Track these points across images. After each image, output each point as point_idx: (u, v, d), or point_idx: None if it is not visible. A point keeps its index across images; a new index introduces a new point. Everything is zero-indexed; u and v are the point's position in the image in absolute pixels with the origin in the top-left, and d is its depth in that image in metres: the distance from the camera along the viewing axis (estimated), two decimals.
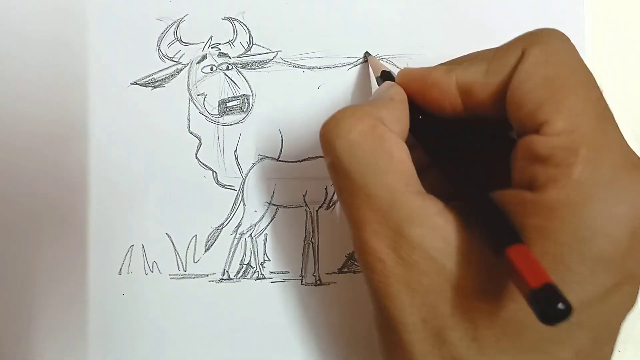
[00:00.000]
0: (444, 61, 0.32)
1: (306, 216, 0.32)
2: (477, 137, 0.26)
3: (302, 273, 0.32)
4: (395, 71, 0.29)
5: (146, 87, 0.32)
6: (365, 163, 0.21)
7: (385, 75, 0.28)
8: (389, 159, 0.22)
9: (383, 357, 0.23)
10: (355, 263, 0.32)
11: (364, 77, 0.32)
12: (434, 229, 0.20)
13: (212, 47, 0.32)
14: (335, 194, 0.32)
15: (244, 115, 0.32)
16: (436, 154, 0.24)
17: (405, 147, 0.22)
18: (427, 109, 0.25)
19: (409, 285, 0.20)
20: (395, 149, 0.22)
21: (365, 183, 0.21)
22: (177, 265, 0.32)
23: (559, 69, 0.21)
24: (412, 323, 0.20)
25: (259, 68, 0.32)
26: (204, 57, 0.32)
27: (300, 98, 0.32)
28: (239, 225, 0.32)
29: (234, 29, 0.32)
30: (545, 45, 0.21)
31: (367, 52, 0.32)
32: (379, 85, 0.29)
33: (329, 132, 0.23)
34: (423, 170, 0.23)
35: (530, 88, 0.21)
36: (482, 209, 0.21)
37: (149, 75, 0.32)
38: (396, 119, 0.23)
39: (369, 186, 0.21)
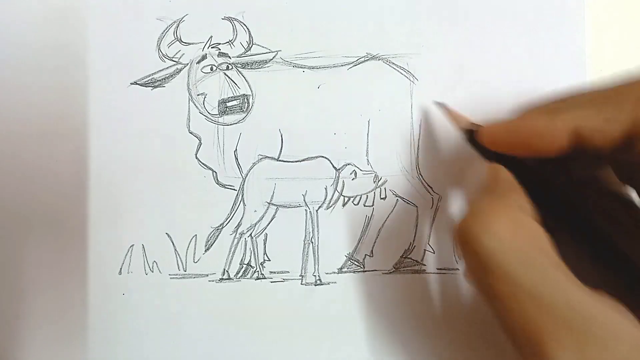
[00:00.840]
0: (444, 61, 0.32)
1: (306, 216, 0.32)
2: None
3: (302, 273, 0.32)
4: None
5: (146, 87, 0.32)
6: (527, 262, 0.19)
7: (470, 133, 0.27)
8: (545, 253, 0.20)
9: None
10: (356, 263, 0.32)
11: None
12: (619, 329, 0.19)
13: (212, 47, 0.32)
14: (334, 195, 0.32)
15: (244, 115, 0.32)
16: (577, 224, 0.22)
17: (546, 233, 0.21)
18: (521, 156, 0.23)
19: None
20: (544, 238, 0.20)
21: (535, 286, 0.19)
22: (177, 265, 0.32)
23: None
24: None
25: (258, 68, 0.32)
26: (203, 57, 0.32)
27: (300, 98, 0.32)
28: (239, 225, 0.32)
29: (233, 29, 0.32)
30: None
31: (437, 102, 0.31)
32: (466, 140, 0.28)
33: (471, 229, 0.20)
34: None
35: None
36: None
37: (149, 75, 0.32)
38: (528, 205, 0.22)
39: (538, 287, 0.19)
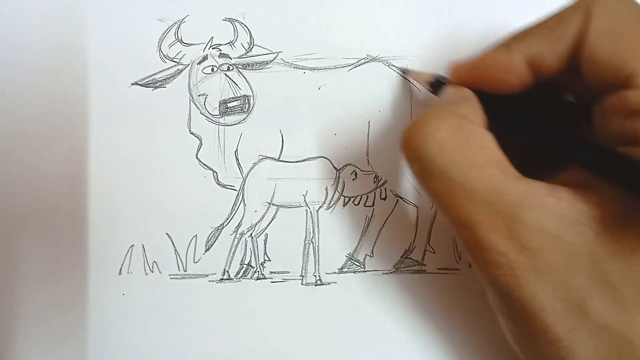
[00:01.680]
0: (445, 62, 0.32)
1: (306, 216, 0.32)
2: (543, 107, 0.26)
3: (302, 273, 0.32)
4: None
5: (147, 87, 0.32)
6: (459, 159, 0.21)
7: (438, 80, 0.28)
8: (482, 151, 0.22)
9: (522, 349, 0.23)
10: (356, 263, 0.32)
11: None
12: (548, 209, 0.20)
13: (213, 48, 0.33)
14: (334, 195, 0.32)
15: (245, 115, 0.32)
16: (522, 132, 0.24)
17: (492, 137, 0.22)
18: (492, 92, 0.25)
19: (538, 269, 0.20)
20: (485, 141, 0.22)
21: (464, 179, 0.21)
22: (177, 265, 0.32)
23: (629, 22, 0.21)
24: (550, 306, 0.20)
25: (259, 69, 0.33)
26: (204, 58, 0.33)
27: (300, 99, 0.32)
28: (239, 225, 0.32)
29: (234, 30, 0.33)
30: (606, 1, 0.22)
31: (404, 68, 0.32)
32: (433, 93, 0.29)
33: (414, 137, 0.22)
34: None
35: (608, 45, 0.21)
36: (612, 162, 0.21)
37: (150, 76, 0.32)
38: (476, 114, 0.24)
39: (469, 181, 0.21)
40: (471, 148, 0.21)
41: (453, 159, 0.21)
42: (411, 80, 0.32)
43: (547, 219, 0.20)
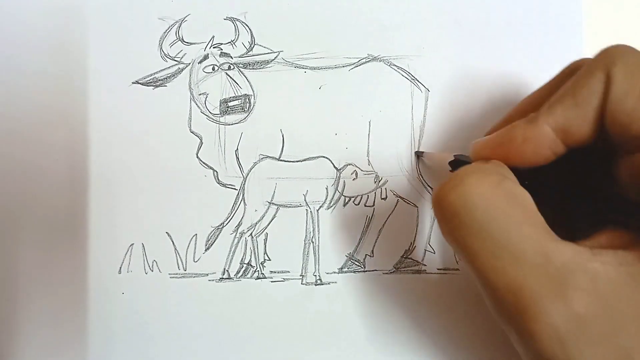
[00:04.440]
0: (444, 62, 0.32)
1: (307, 216, 0.32)
2: (569, 169, 0.25)
3: (302, 272, 0.32)
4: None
5: (148, 86, 0.32)
6: (505, 220, 0.20)
7: (459, 160, 0.27)
8: (524, 211, 0.20)
9: None
10: (356, 263, 0.32)
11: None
12: (597, 272, 0.19)
13: (213, 47, 0.33)
14: (335, 195, 0.32)
15: (245, 114, 0.32)
16: (555, 196, 0.24)
17: (531, 198, 0.21)
18: (521, 166, 0.24)
19: (590, 337, 0.19)
20: (527, 201, 0.21)
21: (509, 240, 0.20)
22: (177, 264, 0.32)
23: None
24: None
25: (260, 68, 0.33)
26: (205, 57, 0.33)
27: (301, 98, 0.32)
28: (239, 225, 0.32)
29: (235, 29, 0.33)
30: (626, 61, 0.21)
31: (417, 151, 0.32)
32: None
33: (452, 191, 0.21)
34: None
35: (632, 105, 0.21)
36: None
37: (151, 75, 0.32)
38: (513, 176, 0.23)
39: (515, 242, 0.20)
40: (515, 207, 0.20)
41: (497, 217, 0.20)
42: (426, 161, 0.32)
43: (597, 284, 0.19)
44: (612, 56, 0.22)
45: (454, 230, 0.21)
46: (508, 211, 0.20)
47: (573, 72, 0.24)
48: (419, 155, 0.32)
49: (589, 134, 0.23)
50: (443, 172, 0.29)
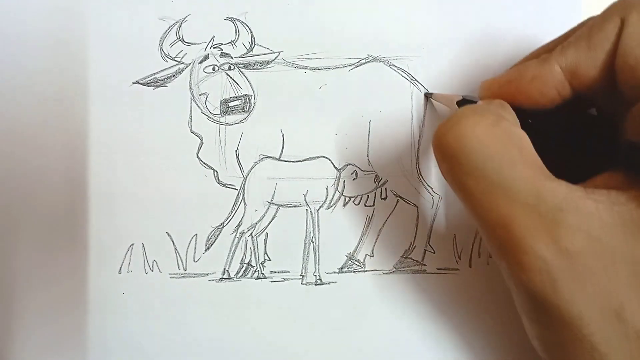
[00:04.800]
0: (445, 63, 0.33)
1: (307, 216, 0.32)
2: (572, 119, 0.25)
3: (302, 272, 0.32)
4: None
5: (148, 86, 0.32)
6: (499, 158, 0.20)
7: (466, 100, 0.28)
8: (520, 150, 0.21)
9: (551, 355, 0.22)
10: (356, 262, 0.32)
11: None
12: (589, 211, 0.20)
13: (214, 47, 0.33)
14: (335, 195, 0.32)
15: (246, 115, 0.32)
16: (555, 142, 0.24)
17: (528, 138, 0.22)
18: (527, 106, 0.24)
19: (580, 276, 0.19)
20: (524, 142, 0.21)
21: (503, 178, 0.20)
22: (177, 264, 0.32)
23: None
24: (588, 313, 0.20)
25: (260, 68, 0.33)
26: (206, 57, 0.33)
27: (301, 98, 0.33)
28: (239, 225, 0.32)
29: (236, 30, 0.33)
30: None
31: (426, 93, 0.32)
32: None
33: (449, 132, 0.21)
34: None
35: None
36: None
37: (151, 75, 0.32)
38: (512, 118, 0.23)
39: (509, 180, 0.20)
40: (510, 147, 0.21)
41: (492, 157, 0.21)
42: (435, 103, 0.32)
43: (588, 222, 0.20)
44: (628, 3, 0.22)
45: (450, 169, 0.22)
46: (503, 151, 0.21)
47: None
48: (428, 96, 0.32)
49: (597, 77, 0.23)
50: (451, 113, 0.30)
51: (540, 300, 0.20)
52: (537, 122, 0.24)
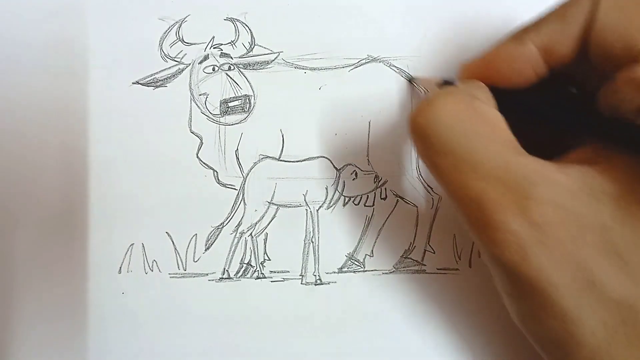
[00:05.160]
0: (444, 62, 0.33)
1: (307, 216, 0.32)
2: (549, 97, 0.25)
3: (302, 272, 0.32)
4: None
5: (148, 86, 0.32)
6: (469, 136, 0.21)
7: (446, 82, 0.28)
8: (491, 128, 0.21)
9: (527, 327, 0.22)
10: (356, 263, 0.32)
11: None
12: (558, 184, 0.20)
13: (214, 48, 0.33)
14: (334, 195, 0.32)
15: (246, 115, 0.33)
16: (531, 115, 0.24)
17: (502, 117, 0.22)
18: (505, 86, 0.25)
19: (546, 244, 0.20)
20: (495, 119, 0.22)
21: (473, 155, 0.21)
22: (177, 264, 0.32)
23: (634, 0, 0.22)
24: (558, 280, 0.20)
25: (260, 68, 0.33)
26: (206, 57, 0.33)
27: (301, 98, 0.33)
28: (239, 225, 0.32)
29: (236, 30, 0.33)
30: None
31: (410, 76, 0.32)
32: None
33: (422, 115, 0.22)
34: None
35: (617, 22, 0.21)
36: (626, 130, 0.21)
37: (151, 75, 0.32)
38: (488, 99, 0.24)
39: (477, 156, 0.21)
40: (481, 125, 0.21)
41: (462, 134, 0.21)
42: (419, 86, 0.32)
43: (557, 194, 0.20)
44: None
45: (423, 149, 0.22)
46: (473, 128, 0.21)
47: None
48: (411, 80, 0.32)
49: (572, 53, 0.23)
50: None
51: (513, 272, 0.21)
52: (514, 101, 0.24)
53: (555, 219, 0.20)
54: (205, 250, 0.32)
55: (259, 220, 0.33)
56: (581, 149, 0.23)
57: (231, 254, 0.32)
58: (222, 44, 0.33)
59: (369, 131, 0.33)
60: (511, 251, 0.20)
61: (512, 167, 0.20)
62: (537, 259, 0.20)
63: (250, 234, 0.33)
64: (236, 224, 0.32)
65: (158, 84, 0.32)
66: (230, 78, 0.33)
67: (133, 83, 0.32)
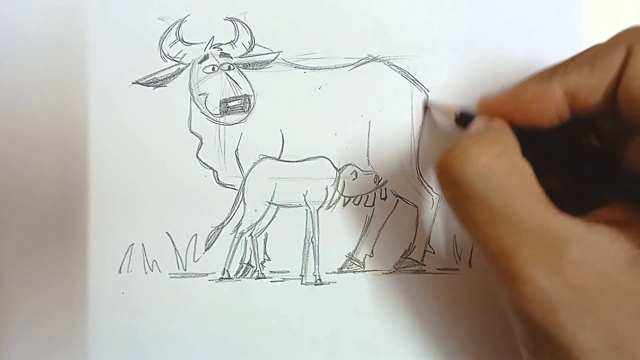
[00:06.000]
0: (444, 62, 0.32)
1: (307, 216, 0.32)
2: (571, 146, 0.25)
3: (302, 272, 0.32)
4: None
5: (148, 86, 0.32)
6: (503, 189, 0.21)
7: (464, 113, 0.28)
8: (525, 181, 0.21)
9: None
10: (356, 263, 0.32)
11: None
12: (592, 245, 0.20)
13: (213, 47, 0.33)
14: (334, 195, 0.32)
15: (245, 115, 0.32)
16: (558, 167, 0.24)
17: (530, 167, 0.22)
18: (526, 126, 0.24)
19: (582, 307, 0.20)
20: (527, 171, 0.22)
21: (507, 209, 0.20)
22: (177, 264, 0.32)
23: None
24: (591, 347, 0.20)
25: (260, 68, 0.33)
26: (205, 57, 0.33)
27: (301, 98, 0.33)
28: (239, 225, 0.32)
29: (235, 30, 0.33)
30: None
31: (425, 100, 0.32)
32: (460, 125, 0.28)
33: (454, 160, 0.21)
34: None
35: None
36: None
37: (151, 75, 0.32)
38: (515, 144, 0.23)
39: (513, 212, 0.20)
40: (515, 178, 0.21)
41: (497, 188, 0.21)
42: (433, 112, 0.32)
43: (593, 256, 0.20)
44: (636, 33, 0.22)
45: (455, 198, 0.22)
46: (508, 182, 0.21)
47: None
48: (426, 106, 0.32)
49: (598, 103, 0.23)
50: (449, 124, 0.30)
51: (542, 331, 0.20)
52: (534, 143, 0.24)
53: (591, 283, 0.20)
54: (205, 250, 0.32)
55: (259, 220, 0.33)
56: (609, 208, 0.22)
57: (231, 254, 0.32)
58: (221, 44, 0.33)
59: (369, 131, 0.33)
60: (542, 309, 0.20)
61: (548, 225, 0.20)
62: (569, 321, 0.20)
63: (250, 234, 0.32)
64: (236, 224, 0.32)
65: (158, 83, 0.32)
66: (230, 78, 0.33)
67: (133, 83, 0.32)
